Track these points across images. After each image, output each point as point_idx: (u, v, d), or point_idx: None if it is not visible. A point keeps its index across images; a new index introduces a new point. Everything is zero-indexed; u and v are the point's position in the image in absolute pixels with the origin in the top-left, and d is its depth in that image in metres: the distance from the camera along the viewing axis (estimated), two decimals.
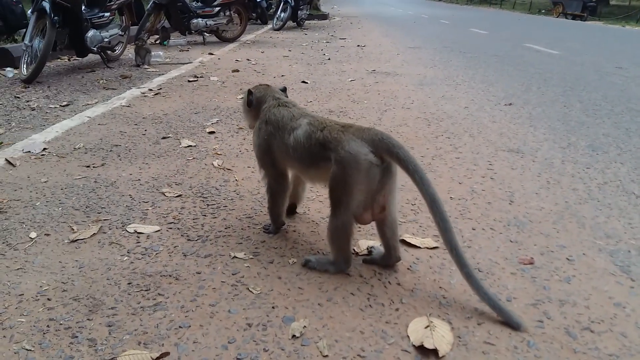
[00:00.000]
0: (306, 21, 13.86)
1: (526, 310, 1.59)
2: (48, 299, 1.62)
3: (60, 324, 1.50)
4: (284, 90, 2.13)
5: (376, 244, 1.93)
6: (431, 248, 1.97)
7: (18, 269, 1.80)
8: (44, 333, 1.46)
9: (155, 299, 1.63)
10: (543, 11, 28.64)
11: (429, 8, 32.00)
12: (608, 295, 1.69)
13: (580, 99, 4.84)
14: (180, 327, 1.50)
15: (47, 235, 2.04)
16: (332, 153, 1.66)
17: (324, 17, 17.06)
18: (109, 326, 1.50)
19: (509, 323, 1.51)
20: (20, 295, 1.64)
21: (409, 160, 1.58)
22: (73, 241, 1.99)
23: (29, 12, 6.23)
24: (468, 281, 1.56)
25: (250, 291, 1.68)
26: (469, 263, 1.57)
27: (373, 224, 1.82)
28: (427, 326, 1.50)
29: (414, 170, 1.57)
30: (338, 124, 1.74)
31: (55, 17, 5.00)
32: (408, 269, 1.84)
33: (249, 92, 2.09)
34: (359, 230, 2.08)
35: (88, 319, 1.53)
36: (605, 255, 1.95)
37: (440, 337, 1.46)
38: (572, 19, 23.69)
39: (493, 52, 8.57)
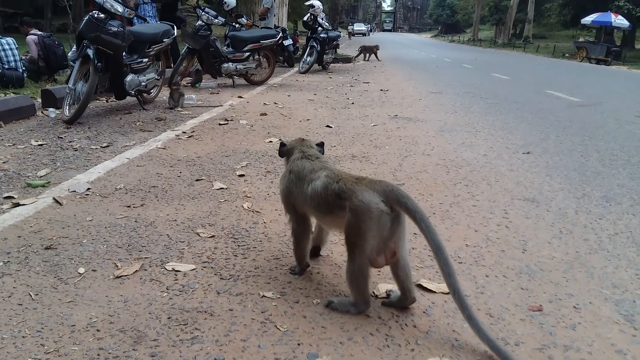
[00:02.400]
0: (331, 64, 14.31)
1: (532, 354, 1.72)
2: (97, 330, 1.81)
3: (109, 353, 1.68)
4: (321, 144, 2.33)
5: (394, 287, 2.08)
6: (446, 293, 2.11)
7: (69, 301, 2.00)
8: None
9: (192, 332, 1.81)
10: (567, 55, 28.88)
11: (451, 51, 32.54)
12: (610, 342, 1.80)
13: (597, 148, 4.97)
14: (215, 359, 1.67)
15: (94, 271, 2.25)
16: (347, 202, 1.86)
17: (349, 60, 17.57)
18: (152, 356, 1.67)
19: None
20: (72, 325, 1.84)
21: (416, 210, 1.76)
22: (117, 277, 2.19)
23: (69, 54, 6.68)
24: (469, 322, 1.71)
25: (278, 328, 1.85)
26: (470, 306, 1.72)
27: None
28: None
29: (420, 219, 1.75)
30: (352, 177, 1.95)
31: (99, 64, 5.39)
32: (424, 312, 1.99)
33: (281, 144, 2.32)
34: (379, 274, 2.24)
35: (133, 349, 1.71)
36: (610, 304, 2.07)
37: None
38: (597, 63, 23.81)
39: (514, 99, 8.76)
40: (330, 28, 13.51)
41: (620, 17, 25.70)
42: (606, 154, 4.75)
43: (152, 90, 6.90)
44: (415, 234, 2.63)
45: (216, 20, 8.73)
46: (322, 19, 13.18)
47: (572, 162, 4.38)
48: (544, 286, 2.21)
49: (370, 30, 78.74)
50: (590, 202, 3.33)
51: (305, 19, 13.11)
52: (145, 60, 6.36)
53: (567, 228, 2.88)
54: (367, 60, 19.22)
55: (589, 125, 6.27)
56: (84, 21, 5.49)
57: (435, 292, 2.13)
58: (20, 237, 2.56)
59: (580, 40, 29.46)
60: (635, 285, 2.23)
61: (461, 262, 2.41)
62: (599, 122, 6.61)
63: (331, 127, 5.71)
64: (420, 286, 2.16)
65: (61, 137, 4.78)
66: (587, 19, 26.64)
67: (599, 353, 1.74)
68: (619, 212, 3.16)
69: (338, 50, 16.34)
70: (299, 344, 1.76)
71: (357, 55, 19.54)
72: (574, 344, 1.79)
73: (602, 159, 4.52)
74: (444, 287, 2.14)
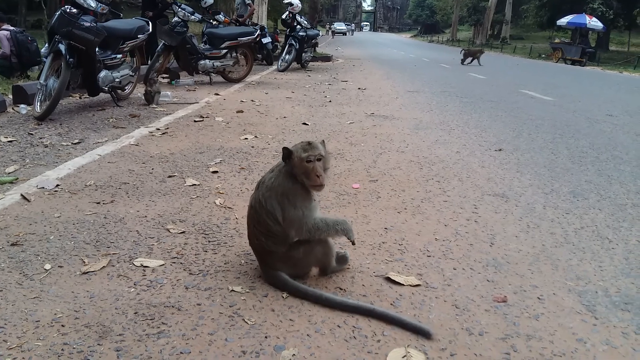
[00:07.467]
0: (310, 63, 14.31)
1: (495, 344, 1.75)
2: (62, 325, 1.79)
3: (74, 348, 1.66)
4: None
5: None
6: (414, 286, 2.14)
7: (34, 297, 1.97)
8: (58, 356, 1.62)
9: (159, 327, 1.80)
10: (543, 56, 29.31)
11: (430, 51, 32.77)
12: (572, 332, 1.85)
13: (568, 146, 5.07)
14: (181, 352, 1.66)
15: (61, 267, 2.22)
16: None
17: (328, 59, 17.59)
18: (117, 351, 1.66)
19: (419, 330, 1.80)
20: (36, 321, 1.81)
21: None
22: (84, 273, 2.16)
23: (42, 50, 6.56)
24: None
25: (246, 322, 1.85)
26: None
27: None
28: (404, 356, 1.66)
29: None
30: None
31: (71, 59, 5.29)
32: (391, 304, 2.01)
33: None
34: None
35: (98, 344, 1.69)
36: (574, 295, 2.12)
37: None
38: (572, 64, 24.21)
39: (489, 98, 8.88)
40: (309, 26, 13.50)
41: (594, 19, 26.16)
42: (576, 151, 4.85)
43: (126, 87, 6.81)
44: (386, 228, 2.67)
45: (193, 17, 8.64)
46: (301, 17, 13.17)
47: (542, 159, 4.46)
48: (510, 278, 2.25)
49: (353, 30, 78.24)
50: (558, 198, 3.39)
51: (283, 17, 13.08)
52: (119, 56, 6.27)
53: (535, 222, 2.93)
54: (469, 64, 18.78)
55: (560, 124, 6.39)
56: (56, 16, 5.40)
57: (403, 284, 2.14)
58: None
59: (556, 41, 29.92)
60: (598, 277, 2.28)
61: (430, 256, 2.44)
62: (570, 120, 6.74)
63: (307, 124, 5.72)
64: (388, 279, 2.18)
65: (31, 134, 4.69)
66: (563, 21, 27.07)
67: (560, 342, 1.78)
68: (586, 207, 3.23)
69: (317, 49, 16.35)
70: (266, 337, 1.76)
71: (463, 59, 19.17)
72: (537, 333, 1.83)
73: (571, 156, 4.61)
74: (412, 280, 2.18)
